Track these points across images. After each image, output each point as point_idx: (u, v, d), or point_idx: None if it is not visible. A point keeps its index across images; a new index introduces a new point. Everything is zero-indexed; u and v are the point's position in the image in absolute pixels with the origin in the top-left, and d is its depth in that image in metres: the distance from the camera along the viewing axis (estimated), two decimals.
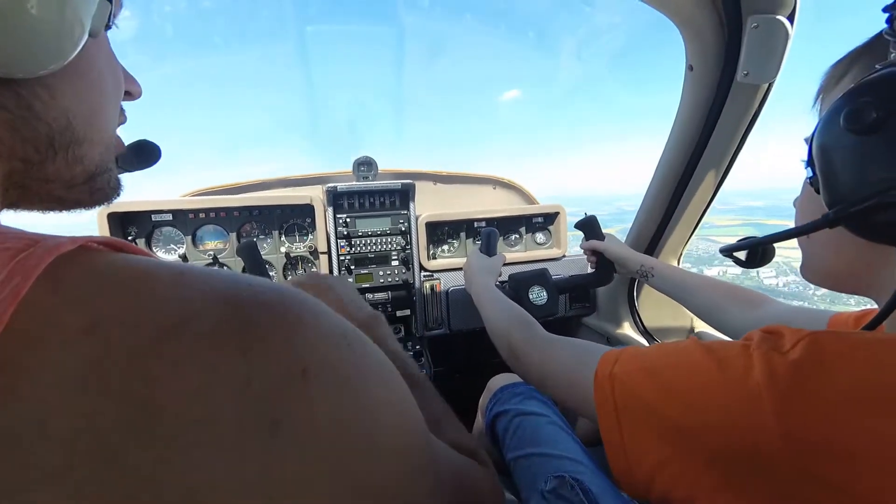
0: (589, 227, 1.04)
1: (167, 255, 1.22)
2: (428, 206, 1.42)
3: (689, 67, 0.89)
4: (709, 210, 1.10)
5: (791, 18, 0.73)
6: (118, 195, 0.34)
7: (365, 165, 1.31)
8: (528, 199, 1.65)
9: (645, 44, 30.95)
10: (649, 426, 0.36)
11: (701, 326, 1.24)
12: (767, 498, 0.29)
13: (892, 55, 0.32)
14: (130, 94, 0.36)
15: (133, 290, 0.19)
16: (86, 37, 0.25)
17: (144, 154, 0.47)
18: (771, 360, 0.30)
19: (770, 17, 0.72)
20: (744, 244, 0.52)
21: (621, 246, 1.01)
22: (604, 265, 1.04)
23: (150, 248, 1.20)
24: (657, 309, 1.32)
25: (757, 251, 0.58)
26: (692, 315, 1.18)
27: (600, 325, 1.41)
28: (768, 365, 0.30)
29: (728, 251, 0.54)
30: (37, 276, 0.17)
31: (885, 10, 0.32)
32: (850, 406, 0.27)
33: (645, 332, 1.31)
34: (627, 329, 1.35)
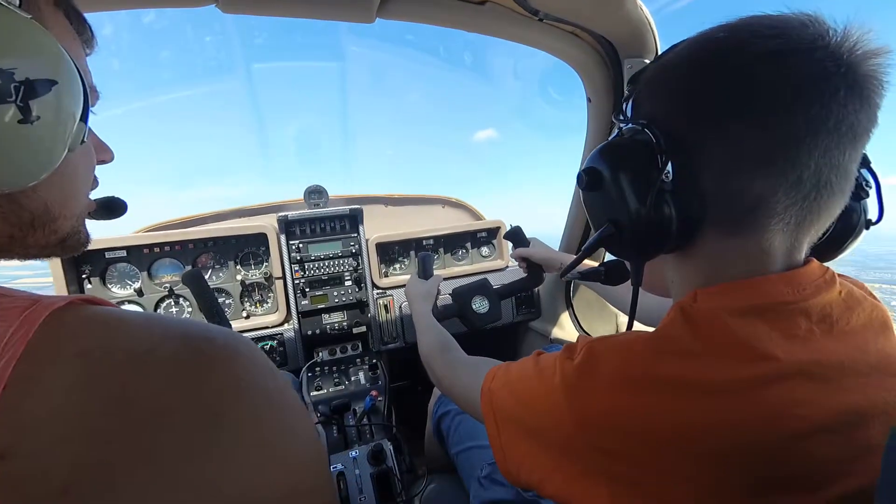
0: (516, 236, 1.15)
1: (122, 290, 1.25)
2: (381, 227, 1.51)
3: (588, 99, 1.04)
4: None
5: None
6: (86, 247, 0.40)
7: (315, 193, 1.39)
8: (476, 216, 1.77)
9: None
10: (515, 429, 0.44)
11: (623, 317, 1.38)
12: (583, 475, 0.37)
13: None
14: (104, 161, 0.41)
15: (112, 328, 0.27)
16: (65, 154, 0.30)
17: (113, 209, 0.53)
18: (564, 366, 0.39)
19: (639, 60, 0.88)
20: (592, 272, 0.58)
21: (545, 248, 1.11)
22: (533, 269, 1.14)
23: (105, 285, 1.23)
24: (588, 306, 1.46)
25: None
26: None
27: (544, 327, 1.53)
28: (562, 370, 0.39)
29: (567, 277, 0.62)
30: (38, 324, 0.25)
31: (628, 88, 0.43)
32: (610, 392, 0.36)
33: (581, 330, 1.44)
34: (567, 328, 1.48)
